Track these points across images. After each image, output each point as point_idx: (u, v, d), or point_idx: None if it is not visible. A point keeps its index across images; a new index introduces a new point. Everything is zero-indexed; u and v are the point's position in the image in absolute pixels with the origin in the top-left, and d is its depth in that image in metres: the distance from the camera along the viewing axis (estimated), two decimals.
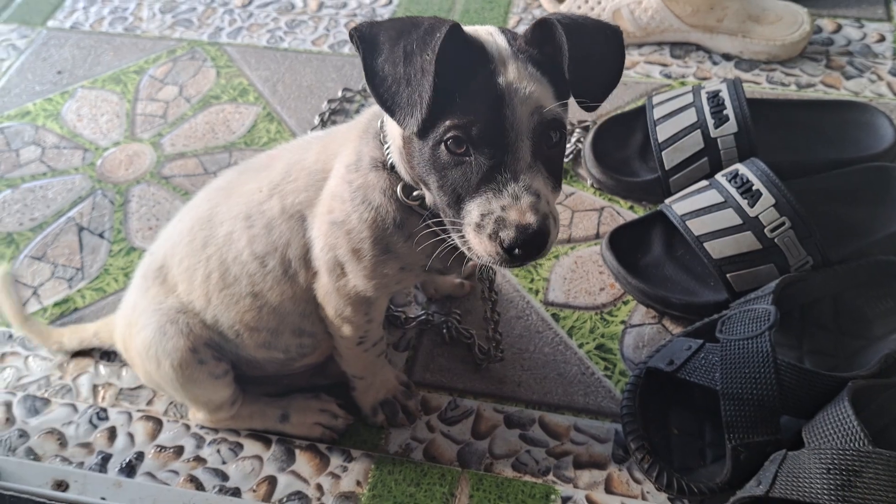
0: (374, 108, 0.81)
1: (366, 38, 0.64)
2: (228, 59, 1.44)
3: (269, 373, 0.94)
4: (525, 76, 0.66)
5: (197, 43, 1.47)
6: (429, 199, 0.74)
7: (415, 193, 0.75)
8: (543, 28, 0.68)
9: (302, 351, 0.90)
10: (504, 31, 0.70)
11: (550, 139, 0.68)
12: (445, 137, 0.65)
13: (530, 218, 0.65)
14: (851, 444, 0.75)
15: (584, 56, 0.67)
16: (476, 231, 0.66)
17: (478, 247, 0.66)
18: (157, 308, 0.87)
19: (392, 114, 0.65)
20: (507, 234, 0.64)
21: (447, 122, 0.64)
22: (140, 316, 0.88)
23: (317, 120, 1.30)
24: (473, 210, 0.66)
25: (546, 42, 0.68)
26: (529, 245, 0.65)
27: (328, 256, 0.80)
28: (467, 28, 0.68)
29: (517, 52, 0.67)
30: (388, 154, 0.76)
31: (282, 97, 1.36)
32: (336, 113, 1.32)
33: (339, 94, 1.34)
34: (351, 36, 0.65)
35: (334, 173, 0.79)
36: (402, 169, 0.75)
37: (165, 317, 0.87)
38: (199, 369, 0.88)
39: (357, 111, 1.33)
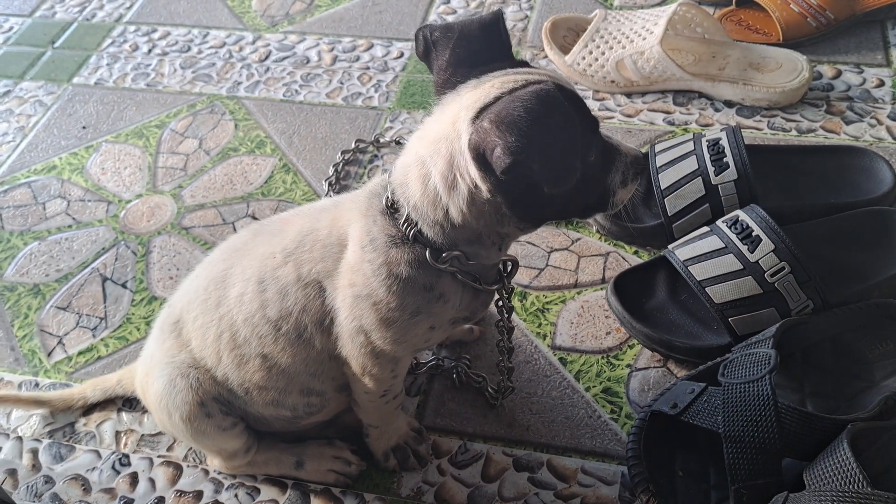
0: (369, 187, 0.84)
1: (525, 158, 0.67)
2: (246, 112, 1.49)
3: (276, 429, 0.96)
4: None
5: (216, 97, 1.53)
6: (498, 236, 0.81)
7: (444, 255, 0.79)
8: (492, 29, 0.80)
9: (309, 410, 0.92)
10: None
11: None
12: (587, 157, 0.76)
13: (629, 145, 0.82)
14: (851, 487, 0.77)
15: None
16: (623, 187, 0.80)
17: (627, 195, 0.81)
18: (170, 361, 0.90)
19: (567, 185, 0.70)
20: (639, 165, 0.81)
21: (585, 146, 0.74)
22: (155, 367, 0.92)
23: (331, 171, 1.34)
24: (616, 177, 0.80)
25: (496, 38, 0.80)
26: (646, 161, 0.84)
27: (353, 325, 0.82)
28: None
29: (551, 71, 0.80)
30: (407, 228, 0.78)
31: (297, 149, 1.41)
32: (349, 163, 1.37)
33: (353, 145, 1.39)
34: (509, 171, 0.68)
35: (350, 250, 0.81)
36: (433, 236, 0.78)
37: (177, 370, 0.89)
38: (206, 422, 0.90)
39: (370, 161, 1.37)
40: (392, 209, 0.80)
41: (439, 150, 0.74)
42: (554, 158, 0.68)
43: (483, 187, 0.73)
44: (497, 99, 0.71)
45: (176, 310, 0.92)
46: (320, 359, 0.87)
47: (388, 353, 0.84)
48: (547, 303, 1.13)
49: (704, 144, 1.15)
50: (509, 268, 0.88)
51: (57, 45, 1.71)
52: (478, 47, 0.77)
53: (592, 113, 0.76)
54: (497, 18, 0.78)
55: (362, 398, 0.91)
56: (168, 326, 0.92)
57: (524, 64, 0.77)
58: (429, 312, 0.82)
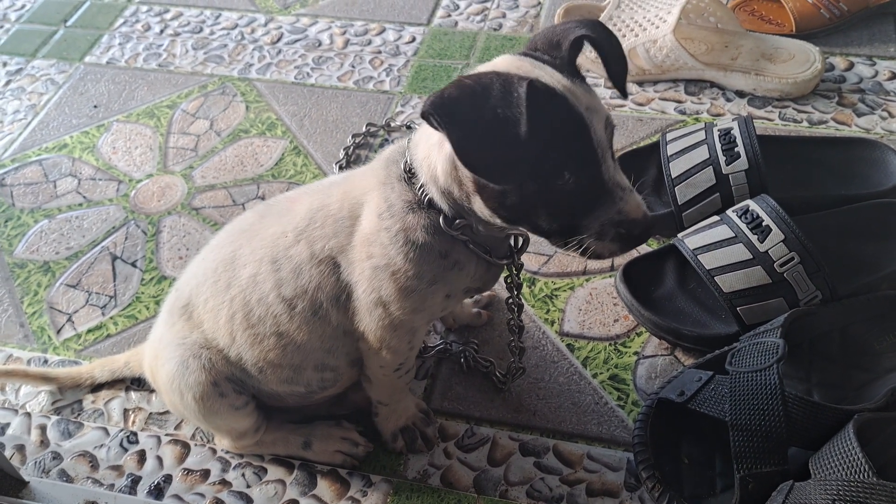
0: (386, 154, 0.84)
1: (445, 117, 0.66)
2: (258, 94, 1.49)
3: (289, 405, 0.97)
4: (590, 95, 0.72)
5: (227, 78, 1.53)
6: (480, 216, 0.78)
7: (457, 222, 0.79)
8: (579, 43, 0.75)
9: (323, 385, 0.93)
10: (534, 56, 0.75)
11: (612, 137, 0.74)
12: (551, 178, 0.70)
13: (645, 211, 0.73)
14: (856, 476, 0.77)
15: (618, 54, 0.76)
16: (598, 239, 0.73)
17: (603, 250, 0.74)
18: (181, 342, 0.91)
19: (493, 180, 0.68)
20: (635, 230, 0.72)
21: (551, 164, 0.69)
22: (165, 349, 0.92)
23: (342, 154, 1.34)
24: (592, 224, 0.72)
25: (576, 52, 0.75)
26: (650, 231, 0.74)
27: (372, 297, 0.83)
28: (505, 67, 0.72)
29: (569, 75, 0.73)
30: (422, 194, 0.79)
31: (308, 131, 1.41)
32: (360, 147, 1.37)
33: (364, 128, 1.39)
34: (426, 117, 0.67)
35: (366, 221, 0.82)
36: (442, 204, 0.79)
37: (189, 351, 0.90)
38: (219, 402, 0.91)
39: (380, 145, 1.37)
40: (409, 174, 0.80)
41: None
42: (475, 141, 0.66)
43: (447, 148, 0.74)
44: (493, 71, 0.71)
45: (184, 293, 0.92)
46: (336, 335, 0.87)
47: (406, 324, 0.85)
48: (555, 289, 1.14)
49: (716, 134, 1.15)
50: (520, 243, 0.89)
51: (69, 23, 1.71)
52: (552, 40, 0.76)
53: (592, 142, 0.70)
54: (577, 34, 0.75)
55: (376, 373, 0.92)
56: (177, 310, 0.92)
57: (578, 75, 0.74)
58: (445, 280, 0.83)
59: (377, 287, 0.82)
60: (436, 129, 0.68)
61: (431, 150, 0.77)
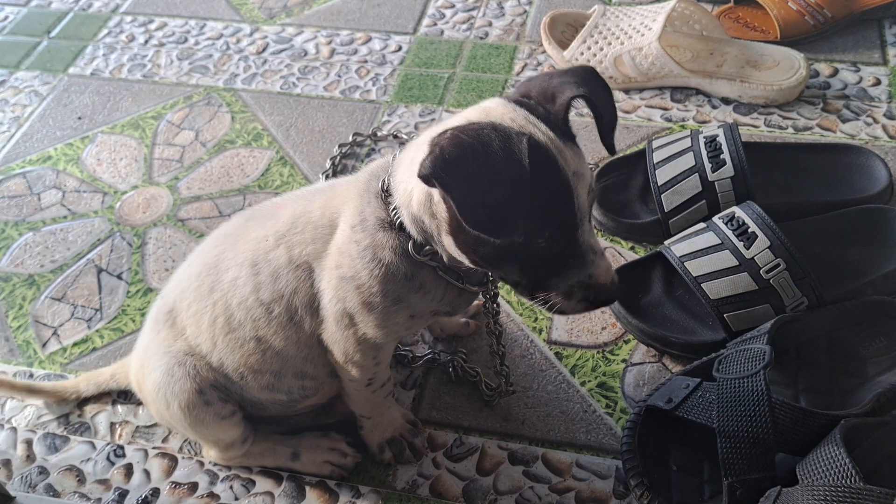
0: (371, 168, 0.84)
1: (447, 179, 0.65)
2: (243, 104, 1.49)
3: (273, 414, 0.96)
4: (579, 159, 0.71)
5: (213, 89, 1.53)
6: (447, 255, 0.78)
7: (426, 249, 0.79)
8: (575, 102, 0.73)
9: (304, 393, 0.93)
10: (528, 106, 0.72)
11: (594, 202, 0.74)
12: (531, 236, 0.69)
13: (613, 276, 0.73)
14: (844, 482, 0.77)
15: (611, 112, 0.75)
16: (565, 298, 0.73)
17: (568, 308, 0.74)
18: (166, 351, 0.90)
19: (491, 235, 0.67)
20: (602, 295, 0.73)
21: (534, 223, 0.68)
22: (151, 358, 0.92)
23: (328, 164, 1.34)
24: (560, 284, 0.72)
25: (569, 109, 0.73)
26: (615, 297, 0.74)
27: (337, 308, 0.83)
28: (499, 116, 0.70)
29: (561, 135, 0.71)
30: (395, 215, 0.79)
31: (294, 141, 1.41)
32: (347, 157, 1.37)
33: (350, 138, 1.39)
34: (427, 180, 0.66)
35: (340, 230, 0.82)
36: (412, 230, 0.78)
37: (174, 359, 0.90)
38: (205, 410, 0.90)
39: (367, 154, 1.37)
40: (386, 192, 0.80)
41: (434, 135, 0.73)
42: (479, 200, 0.65)
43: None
44: (488, 123, 0.68)
45: (169, 300, 0.92)
46: (311, 342, 0.87)
47: (371, 340, 0.85)
48: None
49: (702, 141, 1.16)
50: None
51: (53, 34, 1.70)
52: (547, 91, 0.74)
53: (574, 207, 0.69)
54: (573, 93, 0.73)
55: (349, 387, 0.92)
56: (162, 316, 0.92)
57: (568, 133, 0.73)
58: (408, 302, 0.82)
59: (342, 297, 0.82)
60: (436, 188, 0.67)
61: (410, 177, 0.75)
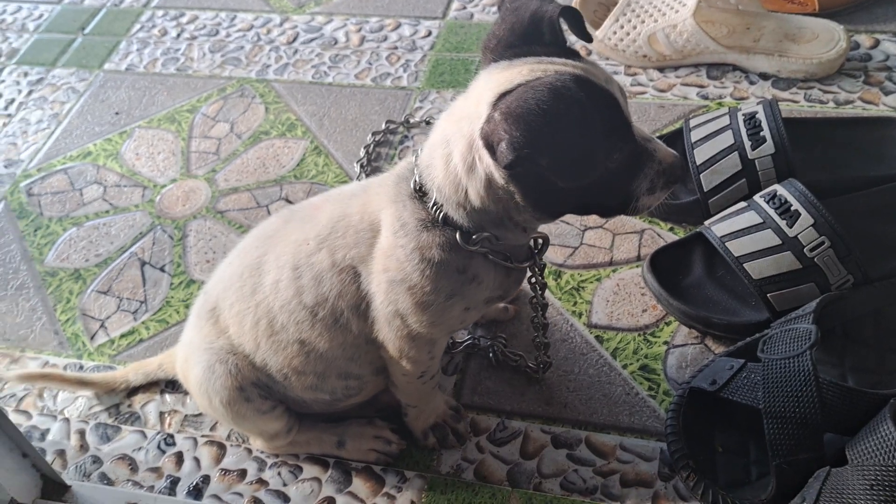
0: (396, 171, 0.84)
1: (527, 160, 0.66)
2: (276, 95, 1.50)
3: (315, 411, 0.98)
4: (599, 69, 0.75)
5: (246, 80, 1.54)
6: (519, 224, 0.80)
7: (474, 237, 0.79)
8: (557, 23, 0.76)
9: (348, 392, 0.94)
10: (526, 53, 0.74)
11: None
12: (607, 160, 0.72)
13: (672, 151, 0.78)
14: (895, 461, 0.77)
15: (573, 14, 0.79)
16: (649, 194, 0.77)
17: (654, 201, 0.78)
18: (208, 347, 0.92)
19: (587, 178, 0.69)
20: (675, 173, 0.77)
21: (605, 148, 0.71)
22: (194, 353, 0.93)
23: (362, 152, 1.34)
24: (643, 184, 0.76)
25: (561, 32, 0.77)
26: (685, 166, 0.80)
27: (389, 309, 0.83)
28: (519, 76, 0.71)
29: (573, 57, 0.74)
30: (436, 212, 0.79)
31: (328, 131, 1.42)
32: (380, 144, 1.37)
33: (383, 126, 1.39)
34: (512, 167, 0.68)
35: (383, 236, 0.82)
36: (463, 222, 0.78)
37: (216, 356, 0.91)
38: (246, 406, 0.92)
39: (400, 142, 1.37)
40: (420, 192, 0.80)
41: (462, 129, 0.74)
42: (565, 155, 0.67)
43: (496, 175, 0.73)
44: (519, 86, 0.69)
45: (212, 297, 0.93)
46: (357, 343, 0.87)
47: (425, 336, 0.85)
48: (582, 281, 1.13)
49: (740, 118, 1.14)
50: (540, 244, 0.89)
51: (87, 31, 1.72)
52: (528, 27, 0.76)
53: (624, 114, 0.73)
54: (553, 14, 0.75)
55: (400, 380, 0.92)
56: (205, 313, 0.93)
57: (574, 54, 0.75)
58: (463, 294, 0.83)
59: (394, 300, 0.82)
60: (520, 170, 0.69)
61: (458, 177, 0.76)
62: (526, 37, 0.75)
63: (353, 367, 0.90)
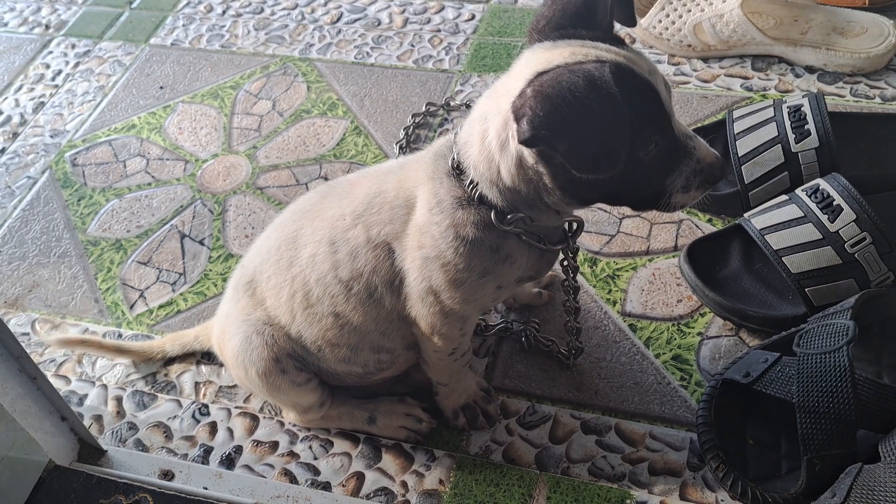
0: (434, 148, 0.84)
1: (549, 139, 0.66)
2: (318, 74, 1.51)
3: (347, 384, 0.99)
4: (643, 59, 0.74)
5: (289, 59, 1.55)
6: (549, 206, 0.79)
7: (509, 217, 0.79)
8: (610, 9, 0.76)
9: (380, 366, 0.95)
10: (572, 36, 0.74)
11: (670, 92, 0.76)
12: (641, 151, 0.72)
13: (714, 151, 0.77)
14: None
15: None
16: (683, 192, 0.76)
17: (688, 200, 0.77)
18: (245, 319, 0.93)
19: (602, 173, 0.69)
20: (714, 172, 0.76)
21: (640, 138, 0.70)
22: (231, 325, 0.95)
23: (402, 134, 1.35)
24: (677, 181, 0.75)
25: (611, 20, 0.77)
26: (725, 168, 0.78)
27: (422, 286, 0.83)
28: (561, 57, 0.71)
29: (617, 44, 0.73)
30: (472, 190, 0.79)
31: (369, 111, 1.42)
32: (420, 127, 1.38)
33: (423, 108, 1.40)
34: (532, 144, 0.68)
35: (418, 213, 0.82)
36: (498, 201, 0.78)
37: (252, 327, 0.92)
38: (282, 378, 0.93)
39: (440, 124, 1.38)
40: (457, 170, 0.80)
41: (500, 105, 0.74)
42: (585, 146, 0.67)
43: (525, 153, 0.73)
44: (558, 67, 0.70)
45: (249, 270, 0.94)
46: (390, 318, 0.88)
47: (457, 312, 0.86)
48: (617, 269, 1.13)
49: (785, 111, 1.13)
50: (574, 227, 0.89)
51: (134, 5, 1.75)
52: (579, 9, 0.76)
53: (665, 108, 0.73)
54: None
55: (431, 356, 0.93)
56: (242, 286, 0.94)
57: (619, 41, 0.75)
58: (496, 273, 0.83)
59: (427, 276, 0.83)
60: (538, 148, 0.69)
61: (491, 154, 0.76)
62: (576, 18, 0.75)
63: (385, 341, 0.91)
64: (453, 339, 0.90)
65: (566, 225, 0.88)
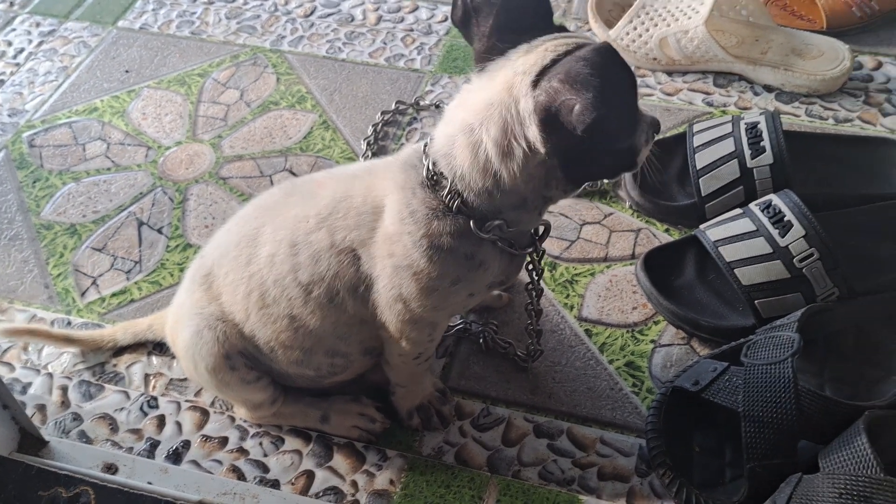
0: (403, 157, 0.84)
1: (599, 119, 0.68)
2: (289, 66, 1.50)
3: (300, 386, 0.98)
4: None
5: (259, 49, 1.54)
6: (544, 201, 0.82)
7: (487, 225, 0.80)
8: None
9: (333, 370, 0.94)
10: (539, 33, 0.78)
11: None
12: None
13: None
14: (864, 472, 0.79)
15: None
16: (646, 146, 0.82)
17: (645, 154, 0.82)
18: (199, 312, 0.92)
19: (627, 140, 0.77)
20: (656, 123, 0.83)
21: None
22: (183, 316, 0.93)
23: (370, 130, 1.35)
24: (641, 136, 0.81)
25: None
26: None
27: (392, 293, 0.83)
28: (552, 50, 0.74)
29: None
30: (449, 200, 0.79)
31: (338, 106, 1.42)
32: (388, 124, 1.38)
33: (393, 106, 1.40)
34: (591, 128, 0.69)
35: (388, 221, 0.82)
36: (483, 207, 0.79)
37: (205, 321, 0.91)
38: (231, 374, 0.92)
39: (409, 123, 1.38)
40: (433, 181, 0.80)
41: (491, 116, 0.74)
42: (623, 113, 0.73)
43: (542, 150, 0.74)
44: (555, 62, 0.72)
45: (207, 262, 0.93)
46: (350, 322, 0.88)
47: (427, 319, 0.86)
48: (576, 274, 1.15)
49: (742, 127, 1.16)
50: (541, 231, 0.90)
51: None
52: (520, 14, 0.77)
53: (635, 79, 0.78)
54: None
55: (395, 360, 0.93)
56: (199, 278, 0.93)
57: (564, 30, 0.78)
58: (468, 280, 0.84)
59: (398, 285, 0.83)
60: (592, 126, 0.70)
61: (488, 163, 0.76)
62: (521, 24, 0.77)
63: (341, 345, 0.91)
64: (421, 344, 0.90)
65: (533, 229, 0.89)
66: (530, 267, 0.94)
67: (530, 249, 0.89)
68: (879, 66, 1.42)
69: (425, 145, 0.82)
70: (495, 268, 0.85)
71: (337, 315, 0.87)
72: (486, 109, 0.75)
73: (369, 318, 0.87)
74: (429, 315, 0.85)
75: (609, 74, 0.69)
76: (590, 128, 0.68)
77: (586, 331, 1.09)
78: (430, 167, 0.80)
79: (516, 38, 0.76)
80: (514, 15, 0.77)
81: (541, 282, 0.97)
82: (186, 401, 1.04)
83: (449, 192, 0.79)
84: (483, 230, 0.80)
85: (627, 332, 1.08)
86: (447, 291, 0.83)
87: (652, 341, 1.07)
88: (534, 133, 0.73)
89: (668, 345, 1.07)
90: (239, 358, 0.92)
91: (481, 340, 1.07)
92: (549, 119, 0.71)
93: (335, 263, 0.84)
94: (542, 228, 0.90)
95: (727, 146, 1.15)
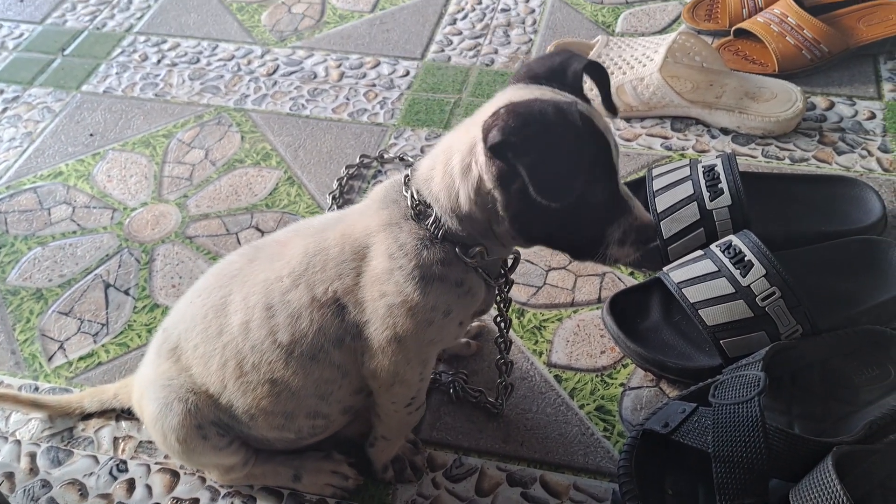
0: (381, 194, 0.85)
1: (516, 148, 0.71)
2: (253, 124, 1.52)
3: (277, 449, 0.97)
4: (602, 118, 0.79)
5: (223, 109, 1.56)
6: (499, 239, 0.82)
7: (470, 251, 0.82)
8: (581, 72, 0.81)
9: (314, 432, 0.94)
10: (544, 83, 0.80)
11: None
12: (588, 194, 0.75)
13: (649, 216, 0.82)
14: None
15: (605, 77, 0.85)
16: (619, 246, 0.80)
17: (622, 255, 0.81)
18: (166, 384, 0.91)
19: (556, 201, 0.72)
20: (647, 233, 0.80)
21: (590, 181, 0.74)
22: (149, 388, 0.92)
23: (335, 184, 1.36)
24: (615, 232, 0.79)
25: (581, 80, 0.82)
26: (656, 232, 0.87)
27: (386, 334, 0.83)
28: (530, 94, 0.77)
29: (583, 100, 0.79)
30: (435, 229, 0.81)
31: (303, 162, 1.44)
32: (353, 178, 1.39)
33: (357, 159, 1.41)
34: (499, 150, 0.71)
35: (375, 261, 0.82)
36: (463, 233, 0.81)
37: (174, 393, 0.90)
38: (203, 443, 0.91)
39: (374, 176, 1.40)
40: (418, 211, 0.81)
41: (469, 132, 0.78)
42: (548, 165, 0.71)
43: (485, 176, 0.76)
44: (530, 99, 0.74)
45: (173, 336, 0.92)
46: (332, 378, 0.87)
47: (421, 355, 0.87)
48: (544, 320, 1.16)
49: (700, 170, 1.18)
50: (510, 262, 0.92)
51: (67, 52, 1.73)
52: (557, 67, 0.81)
53: (613, 160, 0.78)
54: (581, 65, 0.81)
55: (388, 409, 0.92)
56: (165, 352, 0.92)
57: (587, 100, 0.81)
58: (459, 307, 0.85)
59: (391, 324, 0.83)
60: (502, 160, 0.73)
61: (452, 179, 0.79)
62: (552, 73, 0.81)
63: (322, 406, 0.90)
64: (413, 385, 0.90)
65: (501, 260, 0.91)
66: (499, 299, 0.95)
67: (501, 280, 0.90)
68: (832, 105, 1.46)
69: (406, 177, 0.83)
70: (481, 295, 0.87)
71: (319, 372, 0.86)
72: (467, 128, 0.79)
73: (353, 371, 0.87)
74: (423, 351, 0.86)
75: (551, 123, 0.70)
76: (496, 151, 0.71)
77: (556, 377, 1.09)
78: (415, 195, 0.81)
79: (540, 81, 0.80)
80: (551, 66, 0.81)
81: (508, 309, 0.98)
82: (156, 463, 1.03)
83: (434, 220, 0.81)
84: (468, 255, 0.82)
85: (597, 376, 1.09)
86: (441, 322, 0.84)
87: (621, 385, 1.08)
88: (481, 153, 0.75)
89: (638, 387, 1.07)
90: (211, 427, 0.91)
91: (451, 390, 1.07)
92: (485, 141, 0.73)
93: (318, 318, 0.84)
94: (511, 260, 0.92)
95: (686, 189, 1.17)
